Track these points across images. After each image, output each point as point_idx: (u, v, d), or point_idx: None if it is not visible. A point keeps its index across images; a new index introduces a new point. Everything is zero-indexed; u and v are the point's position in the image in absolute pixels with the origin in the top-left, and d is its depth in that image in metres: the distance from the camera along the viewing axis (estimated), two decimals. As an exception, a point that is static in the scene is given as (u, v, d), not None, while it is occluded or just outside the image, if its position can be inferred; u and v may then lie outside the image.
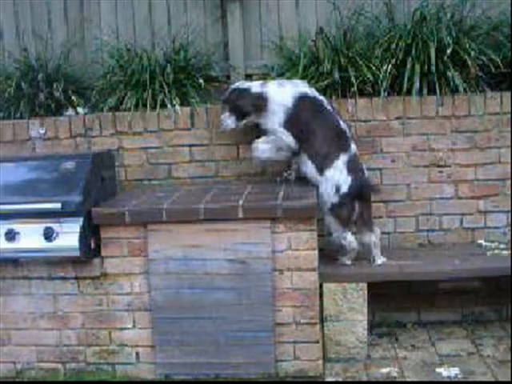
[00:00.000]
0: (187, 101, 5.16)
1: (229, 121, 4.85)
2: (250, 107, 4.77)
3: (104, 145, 5.15)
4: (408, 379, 4.24)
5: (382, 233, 4.97)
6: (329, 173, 4.60)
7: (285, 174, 4.95)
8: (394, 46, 4.99)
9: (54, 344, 4.50)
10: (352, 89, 4.94)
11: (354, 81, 4.91)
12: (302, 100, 4.69)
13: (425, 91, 4.94)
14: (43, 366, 4.53)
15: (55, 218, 4.27)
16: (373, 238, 4.70)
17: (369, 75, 4.91)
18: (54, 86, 5.32)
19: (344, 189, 4.57)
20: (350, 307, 4.50)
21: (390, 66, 4.93)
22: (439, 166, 5.04)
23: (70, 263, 4.37)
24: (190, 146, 5.13)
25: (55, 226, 4.28)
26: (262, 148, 4.81)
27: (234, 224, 4.21)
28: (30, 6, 5.81)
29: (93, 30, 5.75)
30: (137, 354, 4.46)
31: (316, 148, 4.65)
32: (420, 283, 4.80)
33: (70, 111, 5.33)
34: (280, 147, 4.76)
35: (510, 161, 4.99)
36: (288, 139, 4.70)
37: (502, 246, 4.90)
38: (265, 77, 5.23)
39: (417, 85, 4.89)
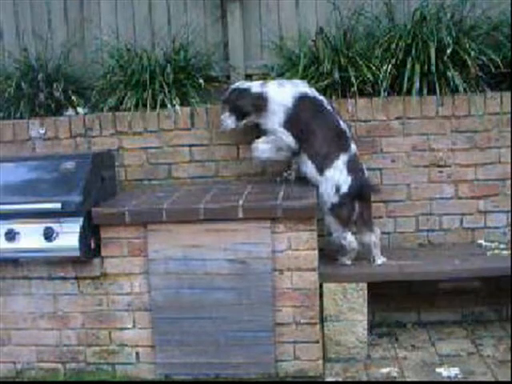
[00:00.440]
0: (187, 101, 5.16)
1: (229, 121, 4.84)
2: (250, 107, 4.77)
3: (104, 145, 5.15)
4: (408, 379, 4.24)
5: (382, 233, 4.97)
6: (329, 173, 4.60)
7: (285, 174, 4.95)
8: (394, 46, 4.99)
9: (54, 344, 4.50)
10: (352, 89, 4.94)
11: (354, 81, 4.91)
12: (302, 100, 4.69)
13: (425, 91, 4.94)
14: (43, 366, 4.53)
15: (55, 218, 4.27)
16: (373, 237, 4.70)
17: (369, 75, 4.91)
18: (54, 86, 5.32)
19: (344, 189, 4.57)
20: (350, 307, 4.50)
21: (390, 65, 4.93)
22: (439, 166, 5.04)
23: (70, 263, 4.37)
24: (190, 146, 5.13)
25: (55, 226, 4.28)
26: (262, 148, 4.80)
27: (233, 224, 4.21)
28: (30, 5, 5.81)
29: (93, 29, 5.75)
30: (137, 354, 4.46)
31: (316, 148, 4.64)
32: (420, 283, 4.80)
33: (70, 111, 5.33)
34: (280, 147, 4.76)
35: (509, 161, 4.99)
36: (288, 139, 4.70)
37: (502, 246, 4.90)
38: (265, 77, 5.23)
39: (417, 85, 4.89)
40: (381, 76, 4.91)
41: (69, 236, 4.25)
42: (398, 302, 5.00)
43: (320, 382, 4.31)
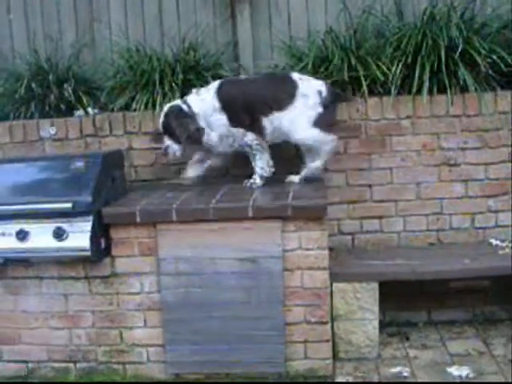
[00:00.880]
0: (197, 101, 5.16)
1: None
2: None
3: (114, 145, 5.16)
4: (419, 378, 4.23)
5: (392, 232, 4.99)
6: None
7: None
8: (403, 44, 4.97)
9: (64, 343, 4.51)
10: (362, 88, 4.93)
11: (364, 80, 4.91)
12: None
13: (435, 90, 4.93)
14: (54, 366, 4.54)
15: (66, 218, 4.27)
16: None
17: (379, 74, 4.90)
18: (64, 86, 5.35)
19: None
20: (361, 306, 4.49)
21: (399, 65, 4.92)
22: (449, 165, 5.03)
23: (80, 263, 4.38)
24: (200, 145, 5.14)
25: (66, 226, 4.28)
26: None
27: (244, 223, 4.21)
28: (40, 7, 5.84)
29: (102, 30, 5.77)
30: (147, 353, 4.47)
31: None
32: (431, 282, 4.79)
33: (80, 111, 5.35)
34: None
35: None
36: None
37: (512, 244, 4.90)
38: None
39: (427, 84, 4.88)
40: (391, 75, 4.91)
41: (79, 236, 4.26)
42: (408, 301, 4.98)
43: (330, 382, 4.31)
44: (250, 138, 4.71)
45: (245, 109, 4.68)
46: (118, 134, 5.19)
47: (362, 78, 4.91)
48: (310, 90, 4.68)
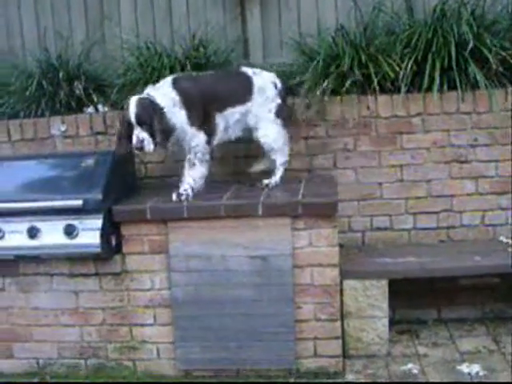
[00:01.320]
0: (207, 97, 5.17)
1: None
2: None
3: (124, 142, 5.16)
4: (429, 376, 4.23)
5: (402, 229, 4.99)
6: None
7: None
8: (414, 42, 4.96)
9: (75, 340, 4.53)
10: (372, 85, 4.92)
11: (375, 77, 4.90)
12: None
13: (445, 87, 4.92)
14: (64, 362, 4.56)
15: (76, 215, 4.29)
16: None
17: (389, 71, 4.89)
18: (75, 83, 5.35)
19: None
20: (371, 304, 4.49)
21: (410, 62, 4.91)
22: (460, 162, 5.01)
23: (91, 260, 4.39)
24: (211, 142, 5.14)
25: (76, 223, 4.29)
26: None
27: (254, 221, 4.22)
28: (51, 4, 5.86)
29: (113, 27, 5.78)
30: (157, 350, 4.48)
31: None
32: (440, 280, 4.77)
33: (91, 109, 5.36)
34: None
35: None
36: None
37: (523, 242, 4.89)
38: (285, 74, 5.25)
39: (437, 81, 4.87)
40: (401, 72, 4.90)
41: (90, 233, 4.27)
42: (418, 299, 4.97)
43: (340, 382, 4.31)
44: (197, 141, 4.45)
45: (201, 104, 4.47)
46: (129, 131, 5.19)
47: (373, 75, 4.90)
48: (266, 82, 4.69)
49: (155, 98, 4.34)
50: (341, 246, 4.48)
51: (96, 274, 4.43)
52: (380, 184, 5.07)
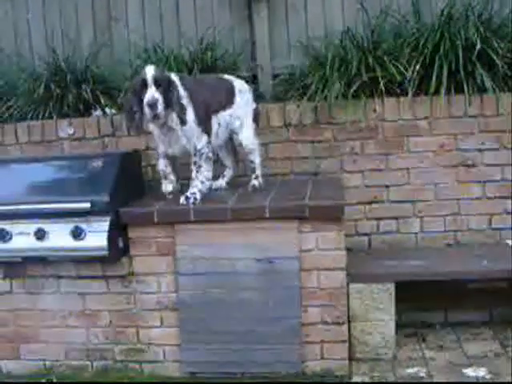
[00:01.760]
0: (214, 100, 5.17)
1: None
2: None
3: (131, 145, 5.17)
4: (435, 380, 4.22)
5: (409, 233, 5.00)
6: None
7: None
8: (421, 45, 4.97)
9: (82, 342, 4.54)
10: (379, 89, 4.92)
11: (382, 81, 4.90)
12: None
13: (452, 91, 4.92)
14: (71, 364, 4.57)
15: (84, 217, 4.29)
16: None
17: (396, 75, 4.89)
18: (83, 86, 5.37)
19: None
20: (377, 307, 4.48)
21: (417, 65, 4.91)
22: (467, 166, 5.01)
23: (98, 262, 4.39)
24: (217, 145, 5.15)
25: (84, 225, 4.30)
26: None
27: (261, 223, 4.22)
28: (59, 7, 5.88)
29: (120, 30, 5.80)
30: (164, 352, 4.48)
31: None
32: (448, 283, 4.77)
33: (98, 111, 5.38)
34: None
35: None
36: None
37: (530, 246, 4.88)
38: (292, 77, 5.26)
39: (444, 84, 4.87)
40: (408, 76, 4.90)
41: (97, 235, 4.28)
42: (425, 302, 4.97)
43: (347, 382, 4.31)
44: (204, 142, 4.40)
45: (203, 104, 4.42)
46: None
47: (380, 79, 4.90)
48: (243, 87, 4.74)
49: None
50: (348, 249, 4.48)
51: (103, 277, 4.44)
52: (387, 187, 5.07)
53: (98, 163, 4.56)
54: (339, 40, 5.19)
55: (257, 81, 5.48)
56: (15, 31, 5.96)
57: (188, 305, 4.36)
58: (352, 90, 4.91)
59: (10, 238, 4.36)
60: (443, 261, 4.71)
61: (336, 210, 4.21)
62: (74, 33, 5.84)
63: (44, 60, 5.60)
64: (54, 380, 4.50)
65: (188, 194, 4.38)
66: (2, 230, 4.35)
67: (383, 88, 4.91)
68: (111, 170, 4.48)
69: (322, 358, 4.34)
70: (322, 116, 5.05)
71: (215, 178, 4.75)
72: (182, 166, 4.61)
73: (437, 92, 4.91)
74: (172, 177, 4.62)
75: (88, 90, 5.35)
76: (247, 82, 5.13)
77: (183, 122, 4.25)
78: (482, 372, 4.26)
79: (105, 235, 4.25)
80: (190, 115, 4.32)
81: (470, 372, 4.28)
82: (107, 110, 5.37)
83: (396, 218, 5.09)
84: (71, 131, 5.24)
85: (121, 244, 4.37)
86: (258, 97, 5.12)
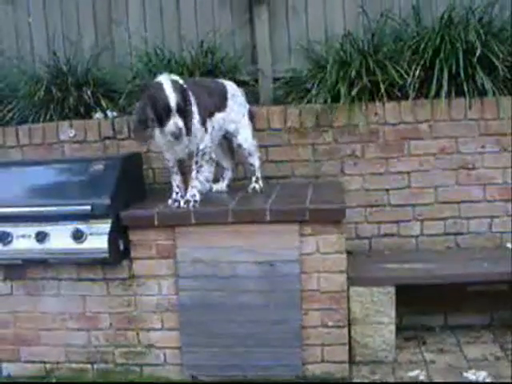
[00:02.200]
0: (215, 104, 5.18)
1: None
2: None
3: (132, 148, 5.16)
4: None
5: (410, 236, 5.00)
6: None
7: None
8: (421, 48, 4.98)
9: (82, 344, 4.54)
10: (380, 92, 4.93)
11: (382, 84, 4.90)
12: None
13: (453, 94, 4.92)
14: (72, 367, 4.57)
15: (85, 220, 4.30)
16: None
17: (397, 78, 4.89)
18: (83, 89, 5.38)
19: None
20: (378, 310, 4.48)
21: (418, 68, 4.92)
22: (467, 169, 5.02)
23: (98, 265, 4.40)
24: (218, 148, 5.16)
25: (84, 228, 4.31)
26: None
27: (262, 226, 4.22)
28: (60, 10, 5.88)
29: (121, 33, 5.80)
30: (164, 355, 4.49)
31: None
32: (448, 286, 4.76)
33: (99, 114, 5.38)
34: None
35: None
36: None
37: (530, 249, 4.88)
38: (292, 80, 5.27)
39: (445, 88, 4.87)
40: (409, 79, 4.90)
41: (98, 238, 4.28)
42: (425, 305, 4.97)
43: (347, 383, 4.32)
44: (206, 143, 4.41)
45: (204, 104, 4.41)
46: (137, 137, 5.21)
47: (381, 82, 4.90)
48: (235, 89, 4.76)
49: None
50: (348, 252, 4.48)
51: (104, 279, 4.44)
52: (387, 190, 5.08)
53: (98, 166, 4.57)
54: (340, 43, 5.20)
55: (257, 84, 5.47)
56: (16, 34, 5.95)
57: (188, 307, 4.36)
58: (353, 94, 4.92)
59: (11, 241, 4.36)
60: (443, 264, 4.71)
61: (337, 214, 4.21)
62: (75, 36, 5.83)
63: (45, 63, 5.60)
64: (54, 381, 4.52)
65: (188, 196, 4.38)
66: (3, 232, 4.36)
67: (384, 91, 4.92)
68: (112, 173, 4.49)
69: (323, 360, 4.34)
70: (322, 119, 5.06)
71: (215, 180, 4.77)
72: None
73: (437, 95, 4.92)
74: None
75: (89, 93, 5.36)
76: (248, 85, 5.17)
77: (190, 131, 4.23)
78: (482, 375, 4.27)
79: (105, 238, 4.26)
80: (196, 115, 4.32)
81: (470, 375, 4.29)
82: (108, 112, 5.37)
83: (396, 221, 5.10)
84: (72, 134, 5.24)
85: (121, 247, 4.38)
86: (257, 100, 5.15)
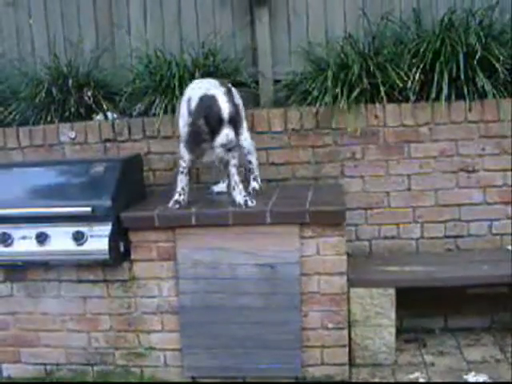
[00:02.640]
0: (216, 106, 5.17)
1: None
2: None
3: (133, 149, 5.18)
4: (435, 385, 4.25)
5: (410, 238, 5.00)
6: None
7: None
8: (422, 51, 4.98)
9: (82, 346, 4.55)
10: (380, 94, 4.93)
11: (383, 87, 4.91)
12: None
13: (453, 97, 4.93)
14: (72, 368, 4.58)
15: (85, 222, 4.31)
16: None
17: (397, 81, 4.90)
18: (84, 91, 5.38)
19: None
20: (378, 312, 4.49)
21: (418, 71, 4.92)
22: (468, 172, 5.02)
23: (99, 266, 4.41)
24: (218, 150, 5.15)
25: (85, 230, 4.32)
26: None
27: (262, 228, 4.23)
28: (61, 12, 5.88)
29: (122, 35, 5.80)
30: (164, 356, 4.49)
31: None
32: (448, 289, 4.77)
33: (100, 116, 5.38)
34: None
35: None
36: None
37: (531, 252, 4.88)
38: (293, 82, 5.28)
39: (445, 90, 4.88)
40: (409, 82, 4.91)
41: (98, 239, 4.29)
42: (425, 308, 4.97)
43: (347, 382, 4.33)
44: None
45: None
46: (137, 139, 5.22)
47: (381, 85, 4.91)
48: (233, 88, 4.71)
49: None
50: (348, 254, 4.48)
51: (104, 281, 4.45)
52: (387, 193, 5.08)
53: (99, 168, 4.57)
54: (340, 46, 5.21)
55: (258, 86, 5.48)
56: (17, 35, 5.95)
57: (189, 309, 4.37)
58: (353, 96, 4.92)
59: (12, 242, 4.38)
60: (444, 266, 4.72)
61: (337, 216, 4.22)
62: (76, 37, 5.83)
63: (46, 64, 5.60)
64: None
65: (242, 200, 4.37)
66: (4, 233, 4.37)
67: (384, 94, 4.92)
68: (113, 175, 4.50)
69: (323, 363, 4.35)
70: (322, 121, 5.06)
71: (216, 182, 4.78)
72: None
73: (437, 98, 4.92)
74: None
75: (90, 95, 5.36)
76: (248, 87, 5.18)
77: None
78: (482, 377, 4.28)
79: (106, 240, 4.27)
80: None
81: (470, 377, 4.30)
82: (109, 114, 5.38)
83: (396, 224, 5.10)
84: (73, 136, 5.25)
85: (122, 248, 4.39)
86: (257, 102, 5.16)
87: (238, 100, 4.57)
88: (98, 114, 5.41)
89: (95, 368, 4.56)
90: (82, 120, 5.35)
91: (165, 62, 5.34)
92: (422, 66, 4.94)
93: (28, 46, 5.95)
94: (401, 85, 4.91)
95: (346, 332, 4.35)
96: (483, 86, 4.87)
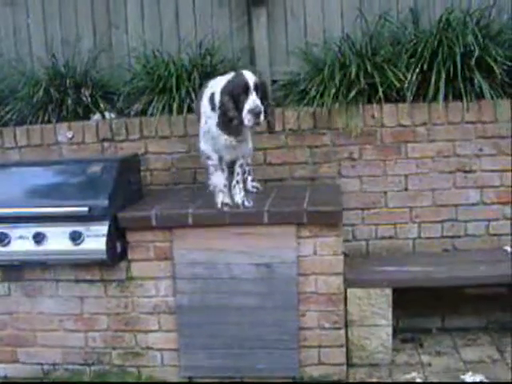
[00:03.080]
0: (213, 106, 5.18)
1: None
2: None
3: (130, 149, 5.18)
4: (432, 385, 4.25)
5: (407, 238, 5.01)
6: None
7: None
8: (419, 51, 4.98)
9: (79, 346, 4.55)
10: (378, 94, 4.93)
11: (380, 87, 4.91)
12: None
13: (450, 97, 4.93)
14: (69, 368, 4.58)
15: (82, 222, 4.30)
16: None
17: (394, 81, 4.90)
18: (82, 91, 5.38)
19: None
20: (375, 312, 4.49)
21: (415, 71, 4.92)
22: (465, 172, 5.02)
23: (96, 266, 4.41)
24: (216, 150, 5.16)
25: (82, 230, 4.31)
26: None
27: (259, 228, 4.23)
28: (59, 11, 5.88)
29: (120, 35, 5.80)
30: (161, 356, 4.49)
31: None
32: (445, 289, 4.78)
33: (97, 116, 5.38)
34: None
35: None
36: None
37: (527, 252, 4.88)
38: (290, 82, 5.28)
39: (442, 90, 4.88)
40: (406, 82, 4.91)
41: (95, 239, 4.29)
42: (422, 308, 4.97)
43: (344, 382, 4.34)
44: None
45: None
46: (135, 139, 5.22)
47: (378, 85, 4.91)
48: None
49: None
50: (345, 254, 4.49)
51: (101, 280, 4.45)
52: (385, 193, 5.08)
53: (96, 168, 4.57)
54: (338, 46, 5.21)
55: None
56: (15, 35, 5.95)
57: (186, 309, 4.37)
58: (350, 96, 4.92)
59: (9, 242, 4.37)
60: (441, 267, 4.71)
61: (334, 216, 4.22)
62: (74, 37, 5.83)
63: (44, 64, 5.60)
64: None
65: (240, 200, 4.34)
66: (1, 233, 4.37)
67: (381, 94, 4.92)
68: (110, 175, 4.49)
69: (320, 362, 4.35)
70: (320, 121, 5.07)
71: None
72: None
73: (435, 98, 4.93)
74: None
75: (87, 95, 5.36)
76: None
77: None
78: (478, 377, 4.28)
79: (103, 239, 4.26)
80: None
81: (467, 377, 4.30)
82: (106, 114, 5.38)
83: (394, 224, 5.10)
84: (70, 135, 5.25)
85: (119, 248, 4.39)
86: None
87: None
88: (95, 113, 5.40)
89: (92, 368, 4.55)
90: (80, 120, 5.35)
91: (162, 62, 5.34)
92: (419, 66, 4.94)
93: (26, 45, 5.95)
94: (398, 85, 4.92)
95: (343, 332, 4.35)
96: (480, 87, 4.87)
